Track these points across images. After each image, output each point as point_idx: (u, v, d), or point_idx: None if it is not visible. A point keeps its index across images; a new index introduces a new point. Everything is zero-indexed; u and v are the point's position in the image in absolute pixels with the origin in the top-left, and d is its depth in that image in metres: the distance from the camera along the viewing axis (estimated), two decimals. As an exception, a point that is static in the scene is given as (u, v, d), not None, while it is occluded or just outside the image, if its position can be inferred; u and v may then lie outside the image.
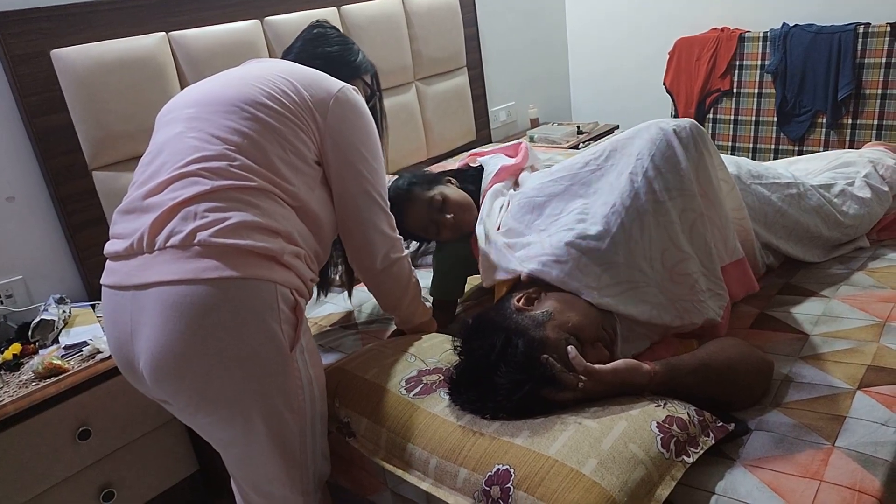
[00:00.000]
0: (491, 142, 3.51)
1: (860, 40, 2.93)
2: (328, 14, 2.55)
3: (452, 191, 1.74)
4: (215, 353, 1.08)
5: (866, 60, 2.95)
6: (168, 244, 1.08)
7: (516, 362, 1.16)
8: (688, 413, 1.13)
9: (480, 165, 1.87)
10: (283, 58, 1.51)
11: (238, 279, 1.08)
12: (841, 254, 1.74)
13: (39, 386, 1.60)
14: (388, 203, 1.38)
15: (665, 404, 1.14)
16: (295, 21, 2.42)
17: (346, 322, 1.83)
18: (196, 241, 1.07)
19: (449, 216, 1.67)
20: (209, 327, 1.07)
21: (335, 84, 1.31)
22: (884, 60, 2.90)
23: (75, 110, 1.91)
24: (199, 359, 1.08)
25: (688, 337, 1.41)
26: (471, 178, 1.83)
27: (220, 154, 1.15)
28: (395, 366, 1.37)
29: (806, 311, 1.50)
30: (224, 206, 1.11)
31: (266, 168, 1.18)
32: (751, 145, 3.34)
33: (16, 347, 1.75)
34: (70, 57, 1.88)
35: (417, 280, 1.49)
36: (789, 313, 1.50)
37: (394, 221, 1.40)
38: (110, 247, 1.18)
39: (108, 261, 1.19)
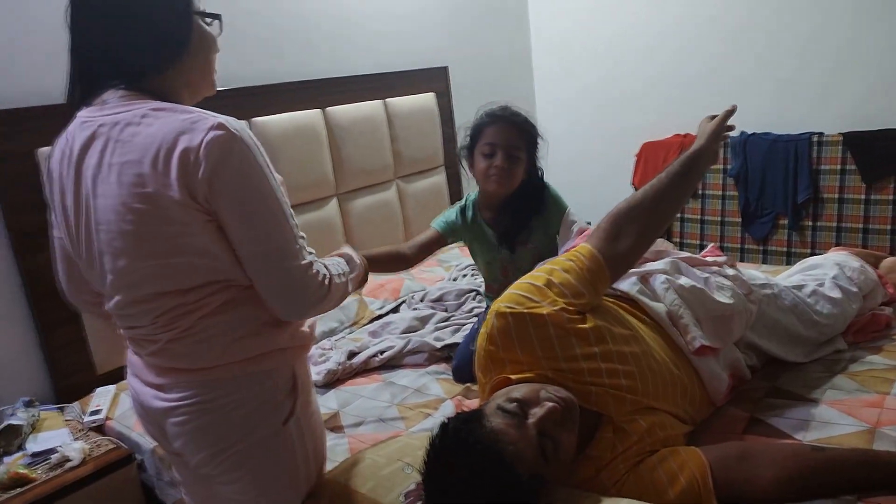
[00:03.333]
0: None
1: (815, 149, 3.11)
2: (313, 115, 2.63)
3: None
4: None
5: (822, 167, 3.11)
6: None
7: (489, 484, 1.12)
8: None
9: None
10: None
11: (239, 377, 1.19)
12: (821, 355, 1.78)
13: (3, 498, 1.51)
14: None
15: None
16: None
17: (332, 424, 1.78)
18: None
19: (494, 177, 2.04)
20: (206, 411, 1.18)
21: (195, 138, 1.04)
22: (839, 167, 3.07)
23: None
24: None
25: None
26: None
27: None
28: (392, 478, 1.33)
29: (796, 416, 1.51)
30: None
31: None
32: (718, 245, 3.45)
33: (-23, 455, 1.65)
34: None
35: (335, 269, 1.27)
36: (780, 418, 1.51)
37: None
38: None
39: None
